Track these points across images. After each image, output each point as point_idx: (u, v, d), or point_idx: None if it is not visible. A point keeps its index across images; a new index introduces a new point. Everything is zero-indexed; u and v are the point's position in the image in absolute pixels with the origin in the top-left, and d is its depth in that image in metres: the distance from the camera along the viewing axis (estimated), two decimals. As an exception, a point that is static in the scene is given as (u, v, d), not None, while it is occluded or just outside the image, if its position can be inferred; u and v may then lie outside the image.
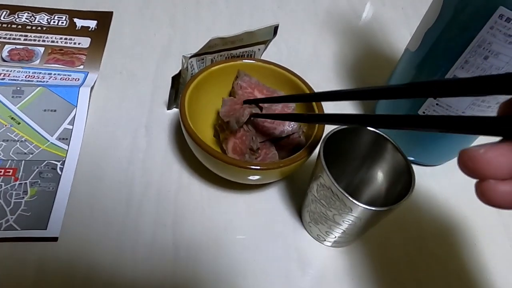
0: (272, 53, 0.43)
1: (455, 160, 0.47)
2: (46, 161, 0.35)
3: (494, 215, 0.38)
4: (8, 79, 0.40)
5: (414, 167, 0.42)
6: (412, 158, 0.40)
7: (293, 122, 0.36)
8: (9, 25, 0.45)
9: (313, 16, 0.55)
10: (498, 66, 0.29)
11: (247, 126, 0.34)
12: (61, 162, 0.35)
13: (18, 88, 0.38)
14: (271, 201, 0.36)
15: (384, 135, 0.31)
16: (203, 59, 0.37)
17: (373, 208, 0.26)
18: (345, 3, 0.58)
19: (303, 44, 0.51)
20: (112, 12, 0.49)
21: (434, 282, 0.34)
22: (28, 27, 0.46)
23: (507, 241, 0.37)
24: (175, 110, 0.41)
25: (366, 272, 0.33)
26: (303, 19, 0.54)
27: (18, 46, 0.43)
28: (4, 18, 0.46)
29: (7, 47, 0.43)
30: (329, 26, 0.54)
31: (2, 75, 0.40)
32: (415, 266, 0.34)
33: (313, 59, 0.50)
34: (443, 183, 0.40)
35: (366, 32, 0.55)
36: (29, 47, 0.44)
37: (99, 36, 0.46)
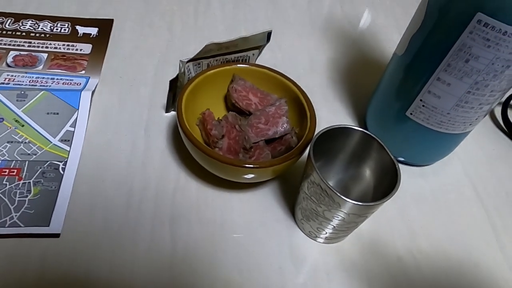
0: (267, 58, 0.44)
1: (444, 160, 0.48)
2: (48, 162, 0.36)
3: (481, 213, 0.40)
4: (13, 84, 0.41)
5: (404, 167, 0.43)
6: (402, 159, 0.41)
7: (286, 124, 0.38)
8: (13, 32, 0.47)
9: (307, 23, 0.57)
10: (479, 68, 0.30)
11: (239, 127, 0.36)
12: (63, 162, 0.36)
13: (22, 92, 0.40)
14: (265, 200, 0.38)
15: (372, 134, 0.32)
16: (199, 64, 0.39)
17: (360, 203, 0.28)
18: (338, 10, 0.60)
19: (298, 50, 0.53)
20: (112, 20, 0.51)
21: (424, 276, 0.35)
22: (32, 34, 0.47)
23: (493, 238, 0.38)
24: (173, 113, 0.43)
25: (357, 268, 0.34)
26: (297, 26, 0.56)
27: (22, 52, 0.45)
28: (9, 25, 0.48)
29: (12, 53, 0.45)
30: (323, 33, 0.56)
31: (7, 79, 0.42)
32: (405, 261, 0.35)
33: (306, 64, 0.51)
34: (432, 183, 0.41)
35: (359, 38, 0.57)
36: (33, 53, 0.45)
37: (100, 42, 0.48)
